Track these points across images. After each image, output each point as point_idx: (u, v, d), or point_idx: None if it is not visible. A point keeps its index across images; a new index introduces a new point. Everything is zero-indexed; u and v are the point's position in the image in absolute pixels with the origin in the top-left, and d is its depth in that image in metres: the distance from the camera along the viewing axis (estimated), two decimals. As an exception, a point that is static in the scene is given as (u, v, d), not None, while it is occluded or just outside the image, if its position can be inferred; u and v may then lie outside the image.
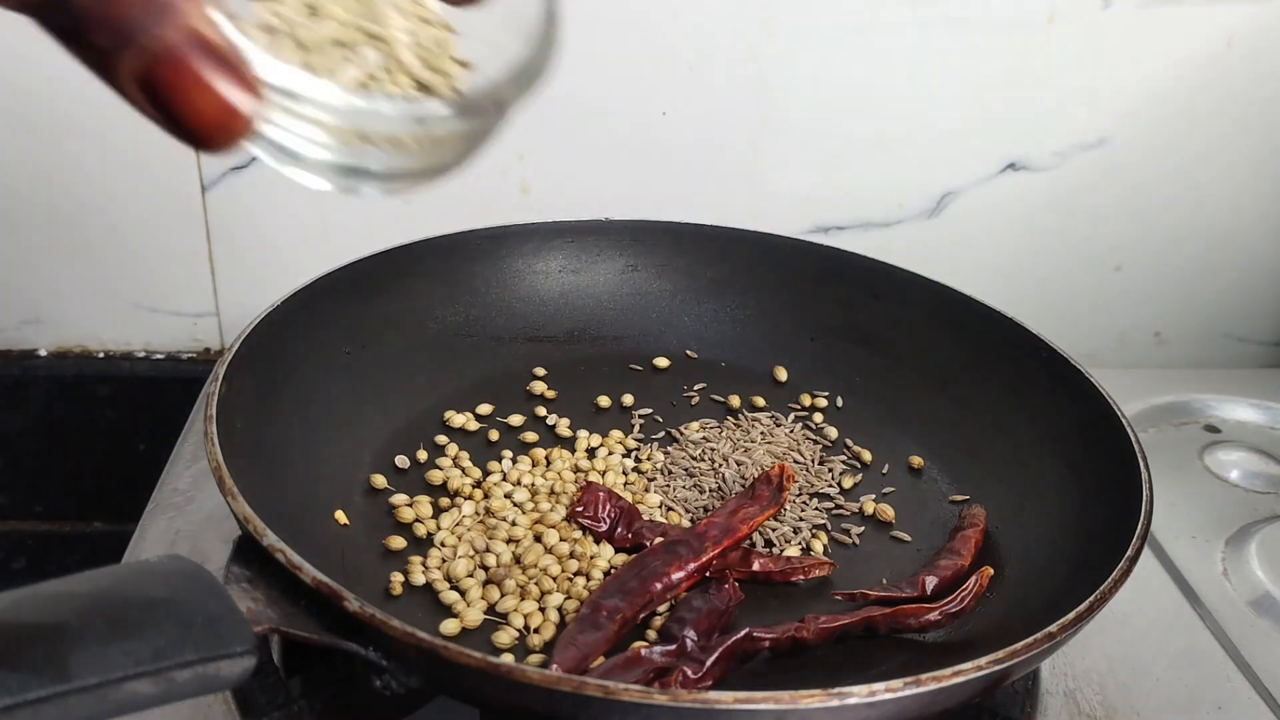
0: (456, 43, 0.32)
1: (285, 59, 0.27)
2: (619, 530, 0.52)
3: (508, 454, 0.57)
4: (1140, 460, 0.48)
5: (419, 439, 0.57)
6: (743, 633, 0.43)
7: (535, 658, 0.45)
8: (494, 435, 0.59)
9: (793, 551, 0.52)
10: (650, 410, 0.62)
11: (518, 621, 0.46)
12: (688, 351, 0.67)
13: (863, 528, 0.54)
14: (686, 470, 0.57)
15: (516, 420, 0.60)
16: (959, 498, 0.56)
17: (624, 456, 0.58)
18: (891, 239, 0.77)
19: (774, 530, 0.53)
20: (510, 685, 0.35)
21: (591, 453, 0.58)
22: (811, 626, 0.44)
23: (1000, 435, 0.57)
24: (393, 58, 0.30)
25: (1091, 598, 0.40)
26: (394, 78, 0.30)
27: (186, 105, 0.23)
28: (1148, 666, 0.51)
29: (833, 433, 0.61)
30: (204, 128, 0.23)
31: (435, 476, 0.55)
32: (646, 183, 0.75)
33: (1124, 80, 0.73)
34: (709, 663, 0.41)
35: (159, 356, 0.80)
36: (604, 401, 0.62)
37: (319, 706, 0.40)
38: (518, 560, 0.50)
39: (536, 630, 0.46)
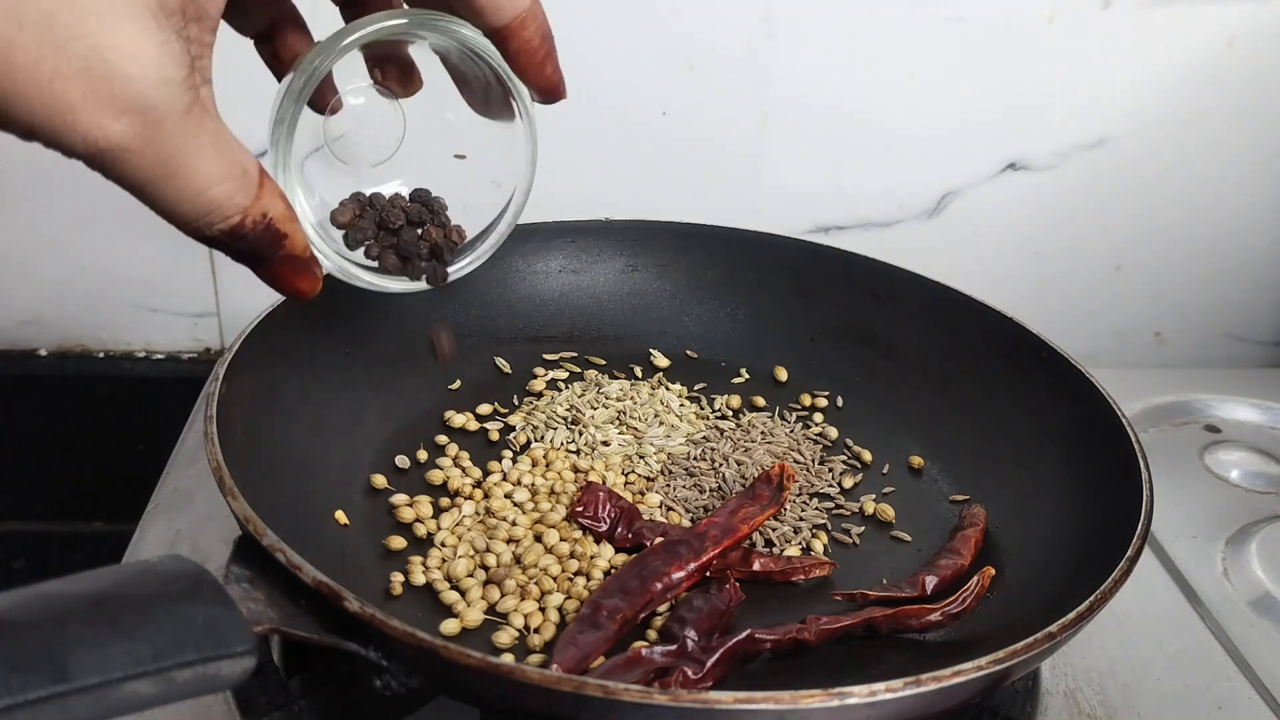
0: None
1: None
2: (619, 530, 0.52)
3: (508, 454, 0.57)
4: (1140, 460, 0.48)
5: (419, 439, 0.58)
6: (744, 634, 0.43)
7: (535, 658, 0.45)
8: (494, 435, 0.59)
9: (793, 551, 0.52)
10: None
11: (518, 621, 0.46)
12: (688, 351, 0.67)
13: (863, 528, 0.54)
14: (686, 470, 0.57)
15: (516, 420, 0.60)
16: (959, 498, 0.56)
17: (625, 456, 0.58)
18: (891, 239, 0.77)
19: (774, 530, 0.53)
20: (510, 685, 0.35)
21: (592, 451, 0.58)
22: (813, 627, 0.44)
23: (1000, 435, 0.57)
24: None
25: (1092, 598, 0.40)
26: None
27: (284, 288, 0.40)
28: (1148, 666, 0.51)
29: (833, 433, 0.61)
30: (289, 295, 0.40)
31: (435, 476, 0.55)
32: (646, 182, 0.75)
33: (1124, 80, 0.73)
34: (710, 663, 0.41)
35: (159, 356, 0.80)
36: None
37: (319, 706, 0.40)
38: (518, 560, 0.50)
39: (536, 630, 0.46)
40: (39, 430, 0.80)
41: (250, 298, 0.78)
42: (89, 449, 0.80)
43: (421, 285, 0.47)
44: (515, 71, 0.43)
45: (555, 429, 0.59)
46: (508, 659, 0.44)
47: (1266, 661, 0.52)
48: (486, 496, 0.54)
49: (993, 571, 0.47)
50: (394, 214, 0.47)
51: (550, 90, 0.44)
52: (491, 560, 0.50)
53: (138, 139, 0.32)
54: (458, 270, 0.48)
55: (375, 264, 0.47)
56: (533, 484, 0.55)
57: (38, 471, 0.81)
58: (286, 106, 0.40)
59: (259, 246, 0.37)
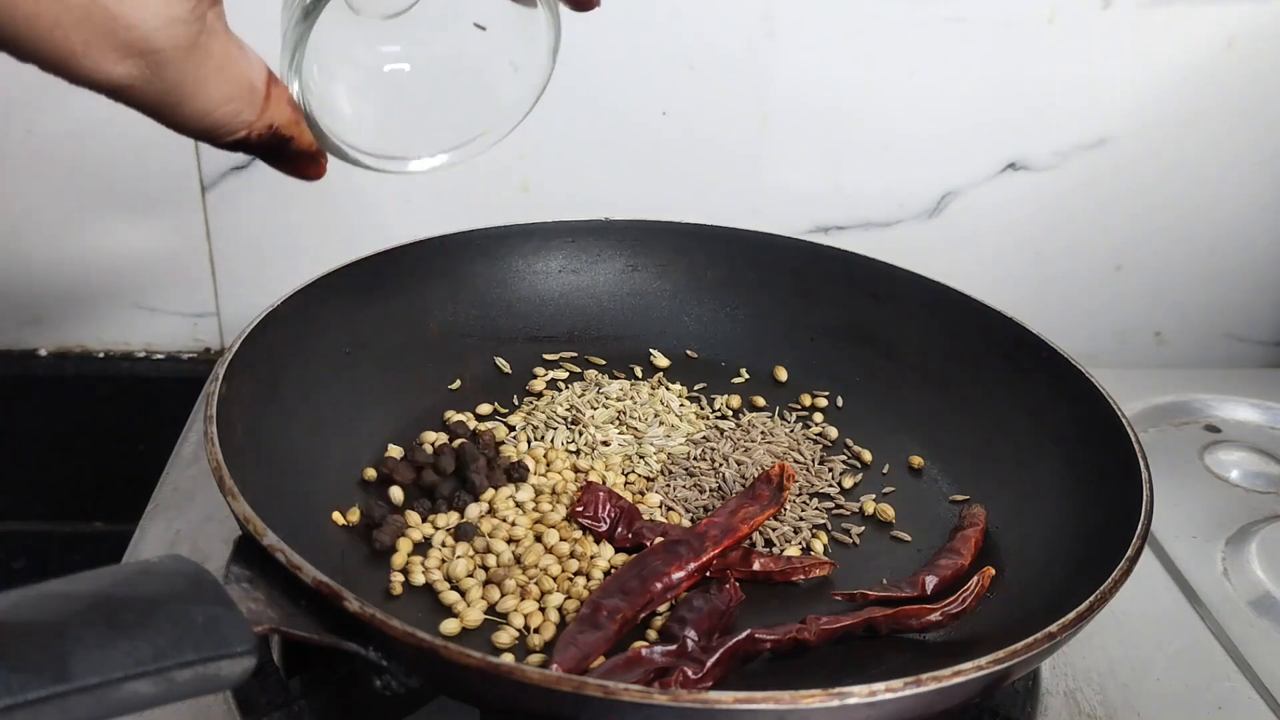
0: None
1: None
2: (619, 530, 0.52)
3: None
4: (1140, 460, 0.48)
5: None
6: (744, 634, 0.43)
7: (535, 658, 0.45)
8: (500, 433, 0.59)
9: (793, 551, 0.52)
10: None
11: (518, 621, 0.46)
12: (688, 351, 0.67)
13: (863, 528, 0.54)
14: (686, 470, 0.57)
15: (516, 420, 0.60)
16: (959, 498, 0.56)
17: (625, 456, 0.58)
18: (891, 239, 0.77)
19: (774, 530, 0.53)
20: (510, 685, 0.35)
21: (592, 451, 0.58)
22: (813, 627, 0.44)
23: (1000, 435, 0.57)
24: None
25: (1092, 598, 0.40)
26: None
27: (293, 175, 0.41)
28: (1148, 666, 0.51)
29: (833, 433, 0.61)
30: (300, 178, 0.42)
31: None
32: (646, 182, 0.75)
33: (1124, 80, 0.73)
34: (710, 663, 0.41)
35: (159, 356, 0.80)
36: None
37: (319, 706, 0.40)
38: (518, 560, 0.50)
39: (536, 630, 0.46)
40: (39, 430, 0.80)
41: (250, 298, 0.78)
42: (89, 449, 0.80)
43: (429, 162, 0.47)
44: None
45: (555, 429, 0.59)
46: (508, 659, 0.44)
47: (1266, 661, 0.52)
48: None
49: (993, 571, 0.47)
50: None
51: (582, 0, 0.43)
52: (491, 560, 0.50)
53: (142, 78, 0.33)
54: (474, 151, 0.48)
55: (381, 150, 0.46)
56: (533, 484, 0.55)
57: (38, 471, 0.81)
58: (308, 14, 0.39)
59: (267, 150, 0.39)
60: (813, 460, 0.58)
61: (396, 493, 0.53)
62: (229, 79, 0.35)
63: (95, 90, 0.33)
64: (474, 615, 0.47)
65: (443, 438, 0.57)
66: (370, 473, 0.54)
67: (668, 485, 0.56)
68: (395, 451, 0.56)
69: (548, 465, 0.56)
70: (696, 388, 0.64)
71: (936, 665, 0.36)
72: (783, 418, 0.62)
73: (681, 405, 0.62)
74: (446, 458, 0.54)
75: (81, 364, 0.79)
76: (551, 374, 0.64)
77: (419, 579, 0.49)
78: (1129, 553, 0.43)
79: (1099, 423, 0.52)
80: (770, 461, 0.57)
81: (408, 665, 0.37)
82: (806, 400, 0.64)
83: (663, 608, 0.47)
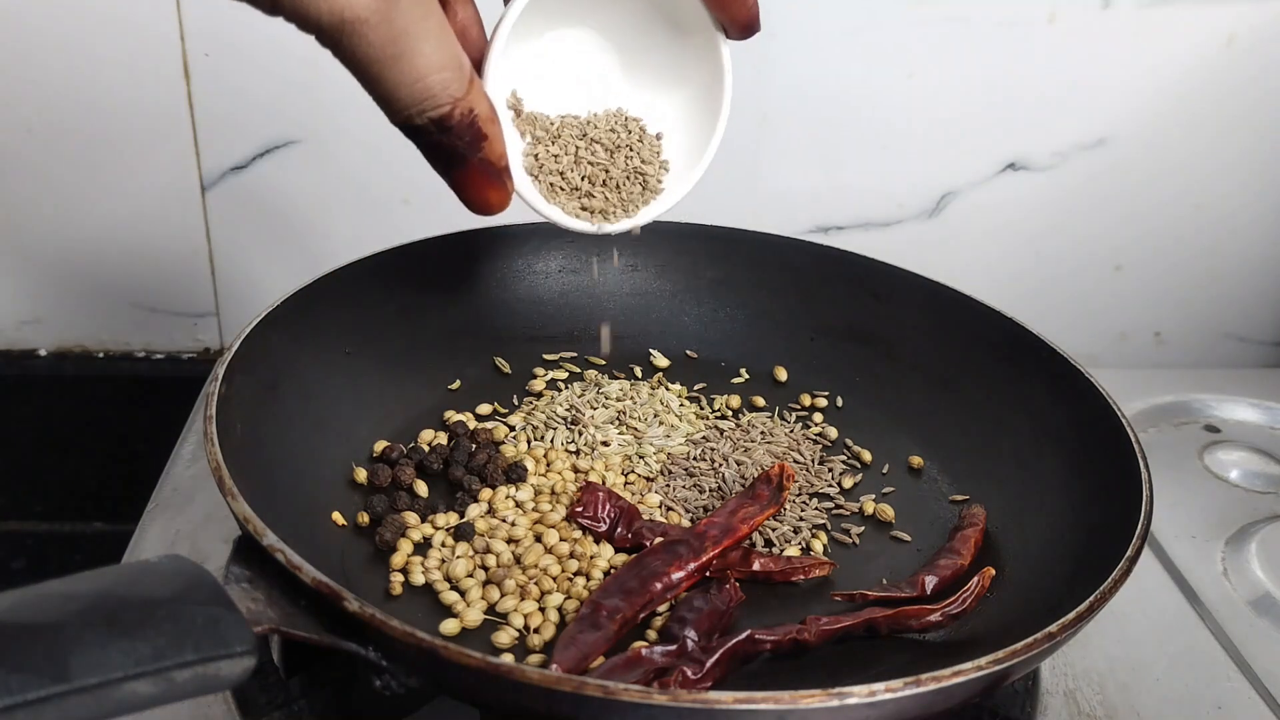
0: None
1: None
2: (619, 530, 0.52)
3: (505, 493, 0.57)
4: (1140, 460, 0.48)
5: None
6: (744, 634, 0.43)
7: (535, 658, 0.45)
8: (500, 433, 0.59)
9: (793, 551, 0.52)
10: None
11: (518, 621, 0.46)
12: (688, 351, 0.67)
13: (863, 528, 0.54)
14: (686, 470, 0.57)
15: (516, 420, 0.60)
16: (959, 498, 0.56)
17: (625, 456, 0.58)
18: (891, 239, 0.77)
19: (774, 530, 0.53)
20: (510, 685, 0.35)
21: (592, 452, 0.58)
22: (813, 628, 0.44)
23: (1000, 435, 0.57)
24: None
25: (1091, 598, 0.40)
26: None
27: (474, 197, 0.41)
28: (1148, 666, 0.51)
29: (833, 433, 0.61)
30: (478, 208, 0.41)
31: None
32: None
33: (1124, 80, 0.73)
34: (709, 663, 0.41)
35: (159, 356, 0.80)
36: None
37: (319, 706, 0.40)
38: (518, 560, 0.50)
39: (536, 630, 0.46)
40: (39, 430, 0.80)
41: (250, 298, 0.78)
42: (89, 449, 0.80)
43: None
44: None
45: (555, 429, 0.59)
46: (508, 659, 0.44)
47: (1266, 661, 0.52)
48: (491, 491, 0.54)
49: (993, 571, 0.47)
50: None
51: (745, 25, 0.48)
52: (491, 560, 0.50)
53: (377, 14, 0.34)
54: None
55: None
56: (533, 484, 0.55)
57: (38, 471, 0.81)
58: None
59: (460, 143, 0.39)
60: (813, 460, 0.58)
61: (421, 486, 0.54)
62: (444, 44, 0.36)
63: (326, 33, 0.34)
64: (474, 615, 0.47)
65: (442, 437, 0.58)
66: (361, 474, 0.54)
67: (668, 485, 0.56)
68: (379, 446, 0.56)
69: (547, 465, 0.56)
70: (696, 388, 0.64)
71: (936, 665, 0.36)
72: (783, 418, 0.62)
73: (681, 405, 0.62)
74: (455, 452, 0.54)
75: (81, 364, 0.79)
76: (551, 374, 0.64)
77: (419, 579, 0.49)
78: (1129, 553, 0.43)
79: (1099, 423, 0.52)
80: (770, 461, 0.57)
81: (407, 665, 0.37)
82: (806, 400, 0.64)
83: (663, 608, 0.47)
